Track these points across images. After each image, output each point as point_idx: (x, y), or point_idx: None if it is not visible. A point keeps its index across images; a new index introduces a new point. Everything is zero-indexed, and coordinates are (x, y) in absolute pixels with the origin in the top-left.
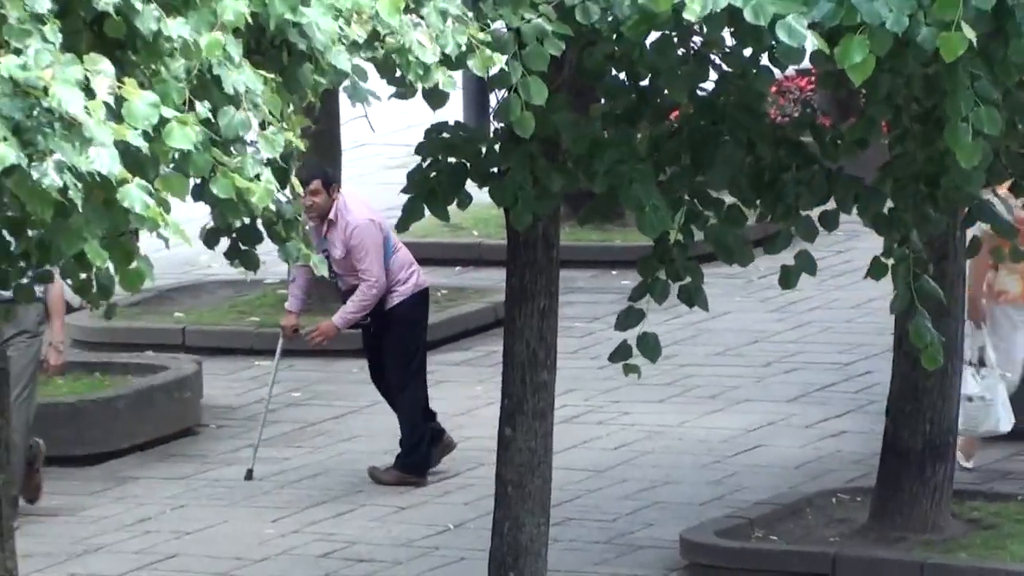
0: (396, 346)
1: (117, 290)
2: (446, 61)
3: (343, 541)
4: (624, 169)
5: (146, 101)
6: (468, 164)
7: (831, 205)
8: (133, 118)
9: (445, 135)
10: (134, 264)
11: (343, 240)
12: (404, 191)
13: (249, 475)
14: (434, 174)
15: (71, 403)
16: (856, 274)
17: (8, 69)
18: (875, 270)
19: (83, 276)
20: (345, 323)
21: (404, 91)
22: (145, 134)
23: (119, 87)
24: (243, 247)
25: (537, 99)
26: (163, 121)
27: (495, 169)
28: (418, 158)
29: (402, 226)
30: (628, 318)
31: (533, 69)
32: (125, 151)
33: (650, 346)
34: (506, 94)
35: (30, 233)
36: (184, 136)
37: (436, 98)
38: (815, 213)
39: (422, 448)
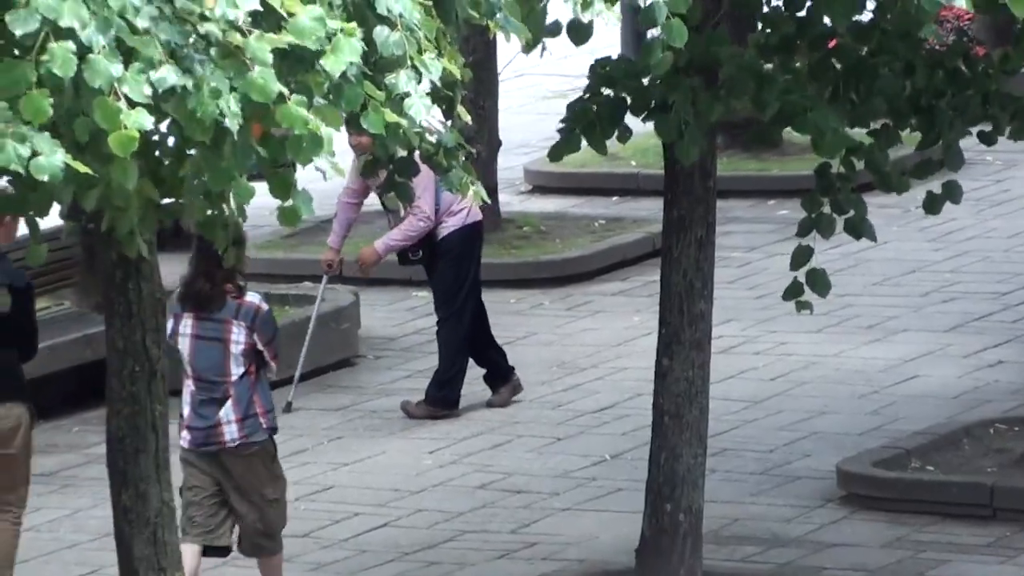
0: (441, 280)
1: (273, 221)
2: None
3: (500, 472)
4: (795, 99)
5: (311, 15)
6: (628, 98)
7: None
8: (300, 33)
9: (607, 68)
10: (290, 201)
11: None
12: (562, 123)
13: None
14: (594, 107)
15: None
16: (1014, 203)
17: None
18: None
19: (209, 212)
20: (387, 249)
21: (552, 28)
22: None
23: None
24: (399, 179)
25: (678, 42)
26: (329, 37)
27: (654, 103)
28: (578, 88)
29: (555, 155)
30: (799, 256)
31: (675, 11)
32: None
33: (820, 281)
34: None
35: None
36: (352, 49)
37: (579, 33)
38: (973, 133)
39: (456, 385)
